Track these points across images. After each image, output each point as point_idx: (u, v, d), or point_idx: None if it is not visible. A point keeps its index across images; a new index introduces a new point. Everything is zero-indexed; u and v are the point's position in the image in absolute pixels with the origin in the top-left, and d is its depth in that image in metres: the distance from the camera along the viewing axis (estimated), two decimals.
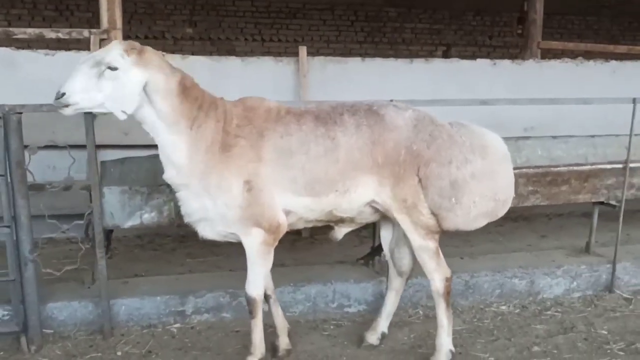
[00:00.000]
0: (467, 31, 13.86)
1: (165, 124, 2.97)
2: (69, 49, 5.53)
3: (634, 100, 4.27)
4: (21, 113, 3.28)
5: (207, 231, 3.21)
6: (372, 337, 3.68)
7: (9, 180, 3.25)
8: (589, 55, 7.12)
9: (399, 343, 3.77)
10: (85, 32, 5.33)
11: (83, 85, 2.82)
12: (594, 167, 4.33)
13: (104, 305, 3.62)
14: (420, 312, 4.21)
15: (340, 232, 3.46)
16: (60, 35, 5.29)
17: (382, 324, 3.70)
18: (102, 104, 2.87)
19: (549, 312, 4.25)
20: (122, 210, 3.60)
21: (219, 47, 12.46)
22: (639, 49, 6.62)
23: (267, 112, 3.13)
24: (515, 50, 14.12)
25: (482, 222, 3.34)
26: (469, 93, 6.09)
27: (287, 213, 3.16)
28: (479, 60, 6.32)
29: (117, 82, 2.83)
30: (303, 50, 5.78)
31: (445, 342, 3.41)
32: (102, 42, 5.34)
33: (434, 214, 3.21)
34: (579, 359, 3.59)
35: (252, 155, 3.02)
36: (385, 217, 3.36)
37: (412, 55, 13.40)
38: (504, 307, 4.31)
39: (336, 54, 13.24)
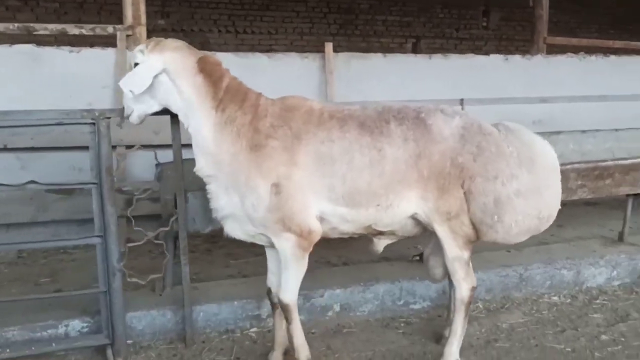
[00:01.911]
0: (435, 24, 14.09)
1: (192, 106, 2.95)
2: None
3: None
4: (110, 117, 3.13)
5: (236, 229, 3.13)
6: None
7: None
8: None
9: (474, 338, 3.84)
10: (110, 29, 5.13)
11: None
12: (636, 160, 4.52)
13: (186, 313, 3.52)
14: (481, 305, 4.29)
15: (380, 244, 3.40)
16: (84, 31, 5.06)
17: None
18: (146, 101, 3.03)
19: (598, 301, 4.43)
20: (204, 215, 3.51)
21: (192, 39, 12.12)
22: (635, 44, 6.93)
23: (308, 114, 3.01)
24: (481, 42, 14.55)
25: (522, 238, 3.27)
26: (485, 88, 6.25)
27: (321, 220, 3.06)
28: (492, 55, 6.47)
29: (139, 74, 2.92)
30: (329, 46, 5.75)
31: (454, 351, 3.39)
32: (128, 38, 5.16)
33: (473, 226, 3.16)
34: None
35: (284, 158, 2.91)
36: None
37: (383, 47, 13.56)
38: (555, 298, 4.46)
39: (310, 46, 13.21)
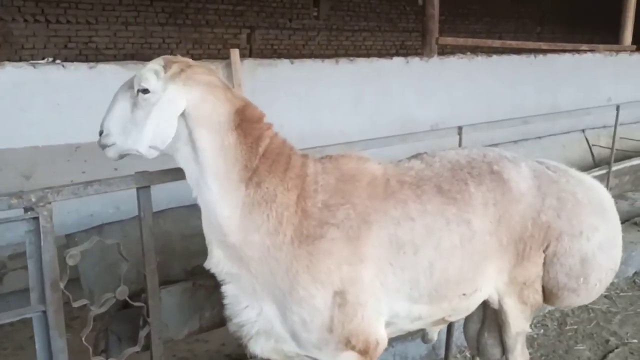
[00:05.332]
0: (269, 13, 13.43)
1: (209, 173, 1.98)
2: None
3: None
4: (50, 203, 1.95)
5: (267, 350, 2.20)
6: None
7: None
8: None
9: None
10: None
11: (119, 119, 2.01)
12: None
13: None
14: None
15: (435, 333, 2.82)
16: None
17: None
18: (144, 144, 1.98)
19: None
20: (180, 315, 2.48)
21: None
22: (510, 43, 6.98)
23: (372, 184, 2.18)
24: (313, 32, 14.19)
25: (595, 298, 2.76)
26: (386, 92, 5.84)
27: (387, 325, 2.30)
28: (395, 58, 5.98)
29: (151, 110, 1.93)
30: (235, 53, 4.72)
31: None
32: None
33: (545, 292, 2.60)
34: None
35: (348, 254, 2.06)
36: None
37: (217, 38, 12.55)
38: None
39: (136, 37, 11.68)
